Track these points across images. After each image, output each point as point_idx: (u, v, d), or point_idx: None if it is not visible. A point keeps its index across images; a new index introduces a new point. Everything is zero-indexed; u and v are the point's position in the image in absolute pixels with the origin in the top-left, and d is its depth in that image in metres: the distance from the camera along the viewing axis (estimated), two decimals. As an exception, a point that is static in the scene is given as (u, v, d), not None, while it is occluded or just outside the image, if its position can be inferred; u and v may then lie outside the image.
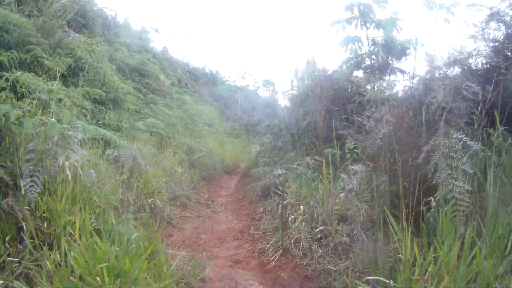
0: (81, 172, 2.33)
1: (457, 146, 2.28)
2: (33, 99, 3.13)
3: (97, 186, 2.52)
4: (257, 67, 42.70)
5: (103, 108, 5.34)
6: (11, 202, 2.26)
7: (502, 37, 3.99)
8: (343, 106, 5.54)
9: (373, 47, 6.87)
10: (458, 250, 1.74)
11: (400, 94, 4.52)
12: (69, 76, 4.87)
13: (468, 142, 2.30)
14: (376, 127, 3.55)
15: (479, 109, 2.95)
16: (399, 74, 6.67)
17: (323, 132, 5.52)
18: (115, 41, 10.40)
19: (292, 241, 2.82)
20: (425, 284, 1.76)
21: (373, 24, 6.79)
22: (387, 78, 6.48)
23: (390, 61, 6.88)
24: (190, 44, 34.64)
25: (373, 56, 6.96)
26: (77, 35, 5.41)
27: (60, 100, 3.27)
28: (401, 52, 6.82)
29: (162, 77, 9.59)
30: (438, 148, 2.29)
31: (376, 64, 6.84)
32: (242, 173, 8.24)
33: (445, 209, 1.97)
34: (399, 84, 9.31)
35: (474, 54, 4.12)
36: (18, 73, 3.25)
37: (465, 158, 2.20)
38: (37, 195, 2.32)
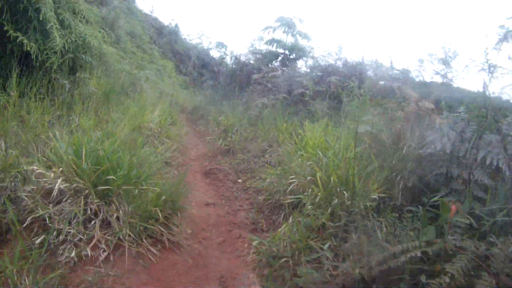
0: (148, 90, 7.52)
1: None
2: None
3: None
4: (214, 29, 46.43)
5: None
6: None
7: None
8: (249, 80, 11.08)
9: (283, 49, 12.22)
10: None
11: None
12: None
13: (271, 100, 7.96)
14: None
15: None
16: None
17: (236, 92, 11.04)
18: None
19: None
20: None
21: (292, 33, 11.86)
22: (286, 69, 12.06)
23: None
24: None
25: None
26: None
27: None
28: (301, 54, 12.24)
29: (156, 53, 14.20)
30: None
31: (285, 59, 12.27)
32: (189, 111, 13.51)
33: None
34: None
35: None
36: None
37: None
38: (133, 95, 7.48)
